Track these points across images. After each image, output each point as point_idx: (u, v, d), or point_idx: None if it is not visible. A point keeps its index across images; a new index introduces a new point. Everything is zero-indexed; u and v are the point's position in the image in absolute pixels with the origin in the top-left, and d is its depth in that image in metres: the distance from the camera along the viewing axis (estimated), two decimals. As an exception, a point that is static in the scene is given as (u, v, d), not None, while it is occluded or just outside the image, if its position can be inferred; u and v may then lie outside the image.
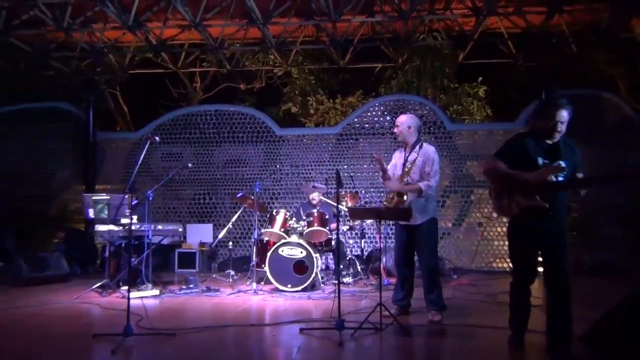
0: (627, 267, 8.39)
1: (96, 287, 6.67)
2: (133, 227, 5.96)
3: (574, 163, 3.78)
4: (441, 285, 5.19)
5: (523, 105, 10.04)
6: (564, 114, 3.69)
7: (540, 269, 3.93)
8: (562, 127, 3.71)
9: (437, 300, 5.08)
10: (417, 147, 5.20)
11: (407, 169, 5.11)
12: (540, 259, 3.93)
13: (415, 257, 5.31)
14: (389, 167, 5.37)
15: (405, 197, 5.08)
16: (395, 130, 5.30)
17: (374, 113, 10.09)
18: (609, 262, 8.65)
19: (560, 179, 3.73)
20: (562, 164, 3.70)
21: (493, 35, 9.65)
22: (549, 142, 3.79)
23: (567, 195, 3.89)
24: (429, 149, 5.21)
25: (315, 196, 7.93)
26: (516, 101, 14.21)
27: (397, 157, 5.39)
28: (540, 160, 3.75)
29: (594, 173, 8.96)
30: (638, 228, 8.69)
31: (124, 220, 6.60)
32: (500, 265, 9.29)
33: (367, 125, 10.01)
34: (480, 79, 13.71)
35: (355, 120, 10.18)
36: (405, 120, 5.26)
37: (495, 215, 9.48)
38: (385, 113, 10.00)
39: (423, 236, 5.09)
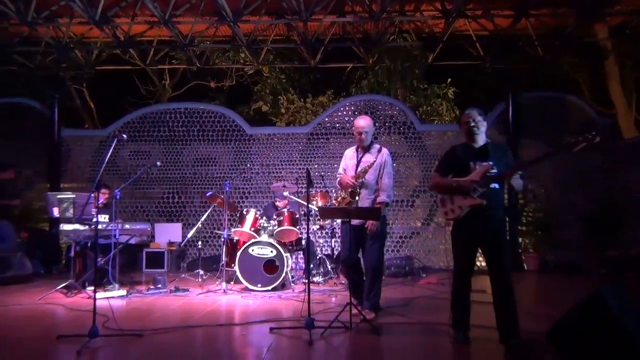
0: (588, 266, 8.65)
1: (61, 288, 6.53)
2: (100, 227, 5.85)
3: (504, 161, 4.05)
4: (381, 285, 5.28)
5: (490, 107, 10.22)
6: (469, 114, 4.14)
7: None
8: (474, 126, 4.10)
9: (374, 299, 5.18)
10: (373, 149, 5.30)
11: (362, 171, 5.16)
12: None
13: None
14: (342, 166, 5.44)
15: (357, 198, 5.14)
16: (362, 137, 5.25)
17: (344, 113, 10.13)
18: (572, 260, 8.90)
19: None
20: (491, 163, 4.00)
21: (462, 38, 9.81)
22: (475, 145, 4.15)
23: (502, 198, 4.19)
24: (385, 151, 5.31)
25: (281, 204, 7.88)
26: (484, 103, 14.46)
27: (350, 157, 5.42)
28: (471, 164, 4.08)
29: (557, 173, 9.11)
30: (597, 227, 8.95)
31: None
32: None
33: (337, 125, 10.05)
34: (449, 80, 13.90)
35: (326, 119, 10.21)
36: (367, 125, 5.28)
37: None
38: (356, 113, 10.04)
39: (372, 236, 5.14)
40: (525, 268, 9.21)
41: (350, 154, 5.46)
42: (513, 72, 9.72)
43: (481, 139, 4.17)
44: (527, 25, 8.95)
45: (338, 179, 5.43)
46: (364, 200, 5.17)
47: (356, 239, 5.22)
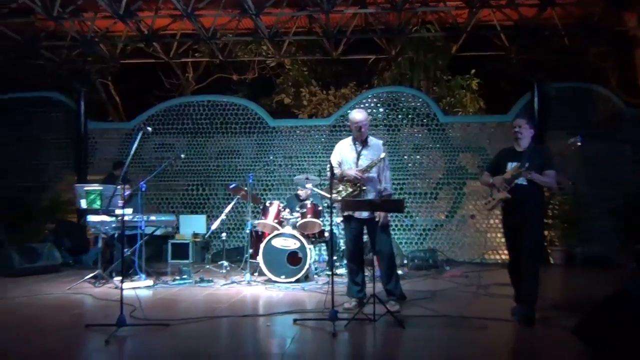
0: (617, 259, 8.49)
1: (89, 278, 6.65)
2: (126, 218, 5.94)
3: (539, 163, 4.63)
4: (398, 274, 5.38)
5: (515, 98, 10.08)
6: (516, 122, 4.87)
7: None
8: (518, 132, 4.79)
9: (395, 289, 5.21)
10: (372, 142, 5.33)
11: (370, 165, 5.15)
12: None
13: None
14: (337, 160, 5.37)
15: (363, 190, 5.13)
16: (362, 130, 5.22)
17: (367, 105, 10.08)
18: (600, 254, 8.73)
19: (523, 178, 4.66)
20: (519, 164, 4.65)
21: (486, 28, 9.67)
22: (518, 149, 4.82)
23: (532, 192, 4.68)
24: (380, 142, 5.37)
25: (303, 193, 7.88)
26: (509, 94, 14.24)
27: (347, 151, 5.35)
28: (509, 164, 4.78)
29: (585, 165, 8.93)
30: (626, 220, 8.77)
31: (117, 211, 6.56)
32: (492, 257, 9.34)
33: (360, 117, 9.98)
34: (473, 71, 13.70)
35: (349, 111, 10.15)
36: (365, 118, 5.26)
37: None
38: (379, 105, 10.00)
39: (382, 226, 5.17)
40: (552, 261, 9.08)
41: (346, 147, 5.39)
42: (538, 63, 9.55)
43: (524, 143, 4.78)
44: (553, 14, 8.78)
45: (337, 172, 5.30)
46: (369, 194, 5.20)
47: (360, 231, 5.27)
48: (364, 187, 5.17)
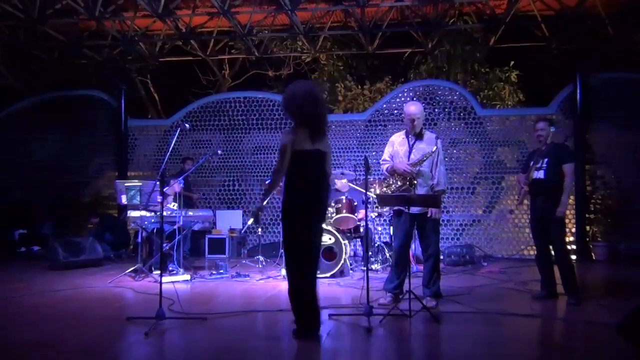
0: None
1: (129, 272, 6.82)
2: (164, 213, 6.06)
3: (556, 159, 5.20)
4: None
5: (557, 90, 9.81)
6: (536, 126, 5.40)
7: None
8: (540, 135, 5.35)
9: (435, 285, 5.16)
10: (426, 136, 5.21)
11: (422, 159, 5.05)
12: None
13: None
14: (389, 153, 5.32)
15: (414, 184, 5.05)
16: (414, 123, 5.12)
17: (402, 99, 9.98)
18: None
19: (542, 172, 5.24)
20: (542, 161, 5.30)
21: (525, 18, 9.43)
22: (543, 148, 5.35)
23: (545, 187, 5.22)
24: (434, 136, 5.22)
25: (341, 183, 7.88)
26: (549, 86, 13.87)
27: (399, 143, 5.27)
28: (531, 163, 5.38)
29: (629, 158, 8.64)
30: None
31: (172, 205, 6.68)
32: (532, 252, 9.12)
33: (395, 112, 9.92)
34: (512, 63, 13.41)
35: (384, 106, 10.11)
36: (419, 111, 5.16)
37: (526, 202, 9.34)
38: (415, 99, 9.88)
39: (433, 224, 5.11)
40: (594, 258, 8.83)
41: (399, 140, 5.30)
42: (581, 53, 9.26)
43: (546, 143, 5.34)
44: (596, 2, 8.49)
45: (386, 165, 5.28)
46: (419, 188, 5.09)
47: (410, 227, 5.14)
48: (415, 182, 5.07)
